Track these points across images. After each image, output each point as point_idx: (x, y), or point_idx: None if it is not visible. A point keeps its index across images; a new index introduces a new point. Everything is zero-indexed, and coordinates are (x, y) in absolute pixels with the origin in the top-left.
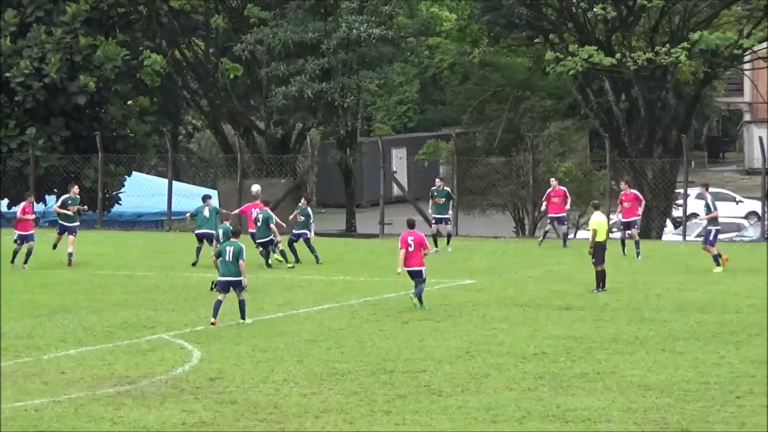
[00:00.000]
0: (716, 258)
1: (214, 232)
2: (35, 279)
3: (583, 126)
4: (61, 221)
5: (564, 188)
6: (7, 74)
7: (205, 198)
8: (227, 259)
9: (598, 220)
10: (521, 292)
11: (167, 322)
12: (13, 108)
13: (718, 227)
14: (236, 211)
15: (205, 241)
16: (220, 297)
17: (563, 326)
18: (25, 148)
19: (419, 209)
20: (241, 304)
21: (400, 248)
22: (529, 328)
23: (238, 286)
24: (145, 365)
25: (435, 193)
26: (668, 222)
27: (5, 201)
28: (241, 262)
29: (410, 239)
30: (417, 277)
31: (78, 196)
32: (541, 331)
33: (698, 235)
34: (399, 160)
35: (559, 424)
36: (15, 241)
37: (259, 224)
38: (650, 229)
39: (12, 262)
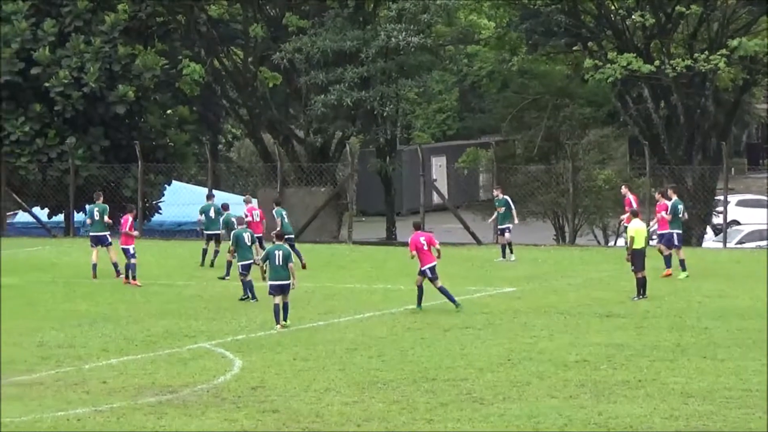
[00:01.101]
0: (667, 260)
1: (220, 232)
2: (76, 289)
3: (622, 133)
4: (94, 233)
5: (633, 196)
6: (47, 84)
7: (210, 196)
8: (277, 263)
9: (636, 227)
10: (562, 299)
11: (208, 331)
12: (53, 118)
13: (679, 231)
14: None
15: (212, 241)
16: (276, 301)
17: (604, 334)
18: (64, 157)
19: (459, 217)
20: (285, 306)
21: (412, 250)
22: (570, 335)
23: (287, 289)
24: (187, 374)
25: (495, 203)
26: (708, 229)
27: (46, 211)
28: (290, 264)
29: (422, 239)
30: (433, 273)
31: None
32: (582, 338)
33: (738, 242)
34: (439, 168)
35: None
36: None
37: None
38: (690, 236)
39: (123, 275)
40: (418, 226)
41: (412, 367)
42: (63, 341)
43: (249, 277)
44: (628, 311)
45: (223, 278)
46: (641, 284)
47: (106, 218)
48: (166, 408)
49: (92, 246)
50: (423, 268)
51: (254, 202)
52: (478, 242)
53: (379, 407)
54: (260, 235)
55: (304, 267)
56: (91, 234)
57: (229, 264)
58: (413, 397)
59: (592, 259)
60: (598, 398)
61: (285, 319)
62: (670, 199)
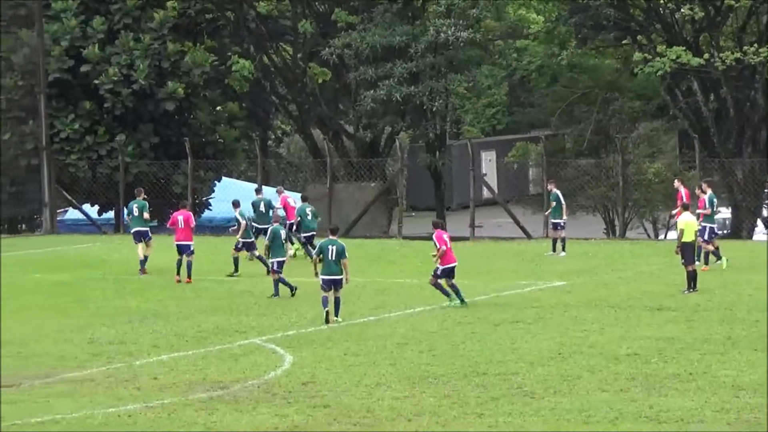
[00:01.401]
0: (716, 253)
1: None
2: (127, 285)
3: (672, 127)
4: (135, 228)
5: (685, 190)
6: (96, 81)
7: (258, 191)
8: (330, 258)
9: (686, 220)
10: (612, 293)
11: (258, 326)
12: (103, 115)
13: (714, 225)
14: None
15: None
16: (324, 294)
17: (655, 327)
18: (114, 154)
19: (509, 211)
20: (337, 302)
21: (441, 246)
22: (621, 329)
23: (339, 284)
24: (238, 370)
25: (550, 198)
26: (759, 222)
27: (96, 208)
28: (344, 260)
29: (445, 236)
30: (452, 273)
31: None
32: (633, 332)
33: None
34: (488, 162)
35: (653, 425)
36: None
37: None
38: (741, 228)
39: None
40: (437, 225)
41: (462, 361)
42: (114, 338)
43: (282, 275)
44: (678, 304)
45: (231, 276)
46: (691, 277)
47: (146, 214)
48: (217, 404)
49: (135, 242)
50: (449, 266)
51: (286, 192)
52: (528, 236)
53: (430, 402)
54: (292, 221)
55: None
56: (132, 231)
57: (237, 260)
58: (464, 392)
59: (643, 253)
60: (649, 391)
61: (336, 315)
62: (705, 193)
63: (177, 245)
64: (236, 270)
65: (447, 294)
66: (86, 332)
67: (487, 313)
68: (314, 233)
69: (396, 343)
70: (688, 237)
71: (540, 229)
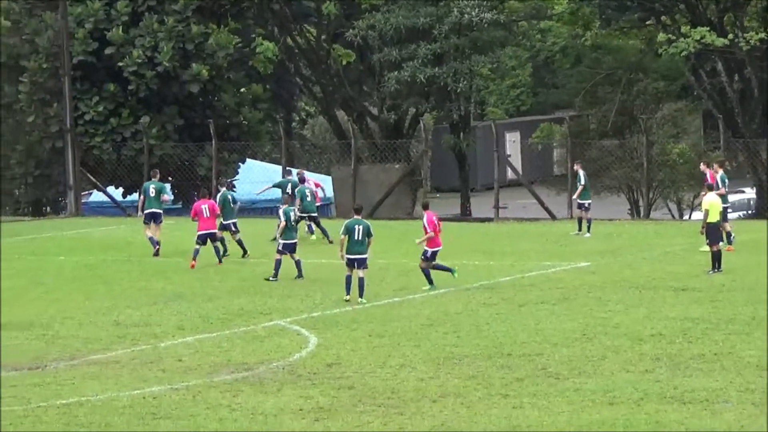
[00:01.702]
0: (728, 236)
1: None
2: (151, 267)
3: (696, 107)
4: (149, 209)
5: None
6: (120, 64)
7: (287, 172)
8: (356, 237)
9: (710, 200)
10: (637, 273)
11: (283, 308)
12: (127, 97)
13: (727, 204)
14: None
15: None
16: (348, 273)
17: (679, 307)
18: (138, 136)
19: (533, 192)
20: (361, 283)
21: (431, 230)
22: (645, 309)
23: (364, 264)
24: (262, 352)
25: (576, 179)
26: None
27: (120, 190)
28: (369, 239)
29: (435, 219)
30: (435, 257)
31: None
32: (657, 312)
33: None
34: (512, 143)
35: (677, 405)
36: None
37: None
38: (765, 209)
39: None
40: (426, 207)
41: (487, 342)
42: (139, 320)
43: (295, 256)
44: (703, 285)
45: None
46: (716, 258)
47: (163, 197)
48: (242, 385)
49: (145, 223)
50: (437, 249)
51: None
52: (553, 217)
53: (455, 383)
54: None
55: (331, 242)
56: (146, 211)
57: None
58: (489, 373)
59: (667, 233)
60: (673, 372)
61: (361, 296)
62: (717, 173)
63: (201, 234)
64: (245, 252)
65: (431, 282)
66: (111, 314)
67: (511, 294)
68: (315, 214)
69: (420, 324)
70: (713, 217)
71: (564, 210)
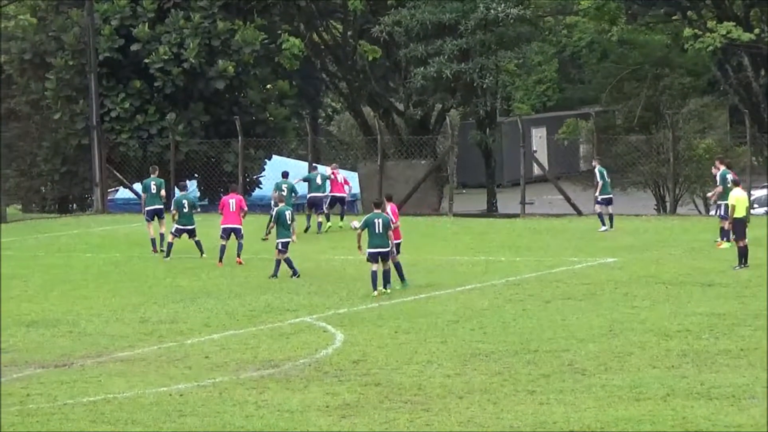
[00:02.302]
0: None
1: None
2: (177, 264)
3: (722, 102)
4: (150, 207)
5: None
6: (147, 60)
7: (313, 168)
8: (377, 231)
9: (737, 195)
10: (663, 269)
11: (309, 305)
12: (153, 94)
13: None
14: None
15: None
16: (374, 268)
17: (706, 303)
18: (165, 133)
19: (560, 188)
20: (386, 274)
21: (396, 221)
22: (672, 305)
23: (387, 256)
24: (289, 349)
25: (596, 175)
26: None
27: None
28: (390, 233)
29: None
30: (398, 249)
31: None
32: (684, 308)
33: None
34: (539, 139)
35: (704, 401)
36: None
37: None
38: None
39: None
40: (390, 198)
41: (513, 338)
42: (165, 317)
43: (287, 255)
44: (729, 280)
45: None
46: (742, 253)
47: (163, 192)
48: (268, 382)
49: (148, 220)
50: (397, 242)
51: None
52: (579, 213)
53: (481, 379)
54: (343, 195)
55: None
56: (147, 209)
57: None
58: (515, 369)
59: (693, 229)
60: (700, 368)
61: (385, 287)
62: (718, 170)
63: (224, 228)
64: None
65: (403, 278)
66: (138, 311)
67: (538, 290)
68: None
69: (447, 320)
70: (739, 213)
71: (590, 205)
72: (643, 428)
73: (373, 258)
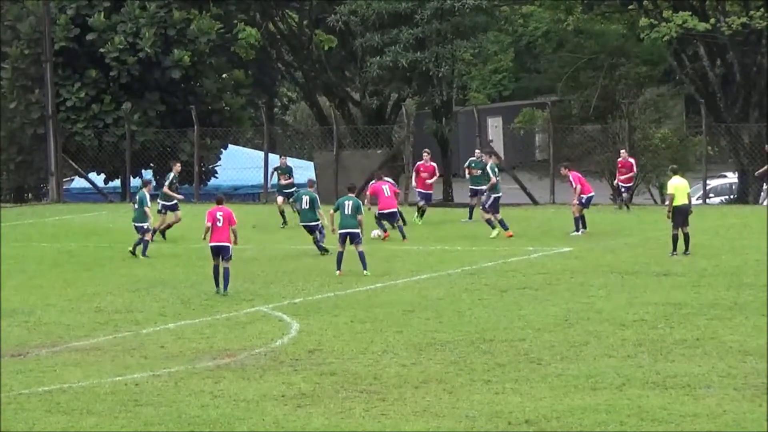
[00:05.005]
0: (490, 222)
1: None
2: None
3: (678, 92)
4: (163, 201)
5: (632, 160)
6: (102, 50)
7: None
8: (346, 212)
9: (675, 184)
10: (619, 259)
11: (265, 294)
12: (109, 83)
13: (498, 194)
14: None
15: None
16: (340, 249)
17: (661, 293)
18: (120, 123)
19: (515, 178)
20: (361, 256)
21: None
22: (628, 295)
23: (356, 238)
24: (244, 338)
25: (472, 164)
26: (765, 186)
27: (102, 176)
28: (359, 216)
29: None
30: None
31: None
32: (640, 297)
33: None
34: (495, 128)
35: (659, 391)
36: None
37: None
38: (747, 193)
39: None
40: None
41: (469, 328)
42: (120, 306)
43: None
44: (685, 270)
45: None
46: (675, 241)
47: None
48: (224, 372)
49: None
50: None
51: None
52: (535, 202)
53: (437, 368)
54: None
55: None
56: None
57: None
58: (471, 358)
59: (649, 218)
60: (655, 357)
61: (364, 268)
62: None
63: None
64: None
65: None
66: (93, 301)
67: (494, 280)
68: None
69: (403, 310)
70: (678, 201)
71: (546, 195)
72: (599, 417)
73: (342, 239)
